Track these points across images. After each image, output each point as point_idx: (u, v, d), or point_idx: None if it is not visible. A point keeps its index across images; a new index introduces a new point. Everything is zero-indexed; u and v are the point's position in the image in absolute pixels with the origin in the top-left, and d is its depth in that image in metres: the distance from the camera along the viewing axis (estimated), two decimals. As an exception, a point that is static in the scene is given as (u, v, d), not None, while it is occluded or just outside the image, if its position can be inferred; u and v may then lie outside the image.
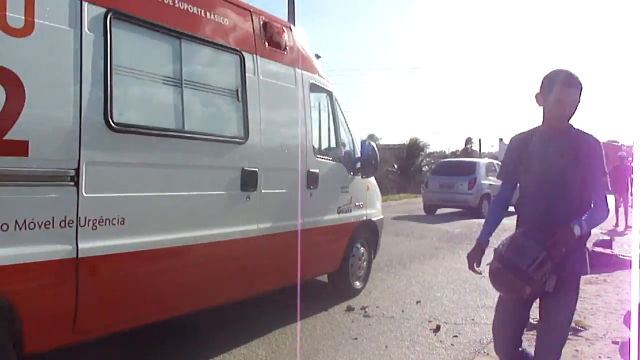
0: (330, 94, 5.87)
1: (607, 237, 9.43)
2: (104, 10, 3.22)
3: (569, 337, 4.97)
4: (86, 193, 3.10)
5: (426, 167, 34.77)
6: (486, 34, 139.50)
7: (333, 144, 5.92)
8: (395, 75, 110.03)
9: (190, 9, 3.87)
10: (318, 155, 5.46)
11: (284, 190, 4.85)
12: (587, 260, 2.91)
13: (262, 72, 4.59)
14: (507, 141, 3.09)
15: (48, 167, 2.94)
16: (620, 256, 8.49)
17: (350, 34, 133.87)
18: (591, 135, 2.70)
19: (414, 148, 36.44)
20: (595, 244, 8.97)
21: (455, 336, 4.87)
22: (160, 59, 3.74)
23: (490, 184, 15.23)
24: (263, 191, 4.50)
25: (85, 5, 3.12)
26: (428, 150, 40.75)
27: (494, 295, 6.34)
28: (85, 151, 3.08)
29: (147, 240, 3.49)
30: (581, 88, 2.61)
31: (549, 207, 2.75)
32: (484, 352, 4.51)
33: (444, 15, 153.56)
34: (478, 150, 44.77)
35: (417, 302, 6.00)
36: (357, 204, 6.08)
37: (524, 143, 2.87)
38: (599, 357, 4.49)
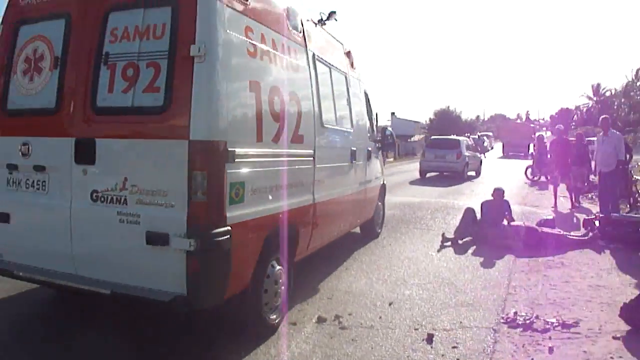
0: (366, 93, 8.50)
1: (551, 217, 9.60)
2: (312, 53, 5.76)
3: (569, 335, 4.78)
4: (317, 165, 5.59)
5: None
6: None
7: (370, 130, 8.41)
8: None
9: (331, 49, 6.76)
10: (368, 137, 8.21)
11: (361, 162, 7.55)
12: None
13: (352, 85, 7.46)
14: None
15: (308, 149, 5.40)
16: (569, 236, 8.67)
17: None
18: None
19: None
20: (539, 224, 9.10)
21: (455, 347, 4.43)
22: (329, 81, 6.37)
23: (468, 155, 21.31)
24: (355, 162, 7.19)
25: (310, 52, 5.71)
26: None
27: (465, 289, 6.15)
28: (317, 139, 5.59)
29: (333, 192, 6.21)
30: None
31: None
32: (495, 363, 4.16)
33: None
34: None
35: (390, 304, 5.51)
36: (380, 171, 9.19)
37: None
38: (610, 357, 4.27)
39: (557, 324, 4.99)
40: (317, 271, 6.54)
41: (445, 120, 58.72)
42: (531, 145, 32.35)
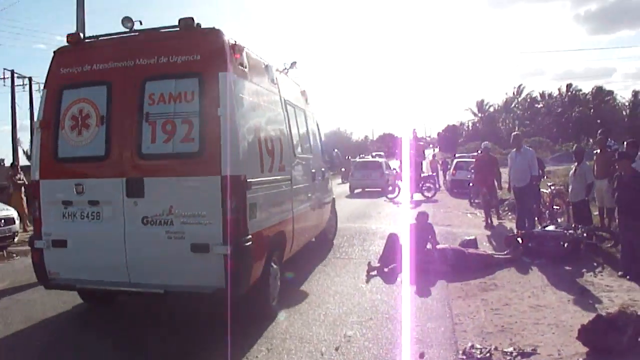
0: (317, 122, 10.21)
1: (472, 237, 9.72)
2: (283, 99, 7.42)
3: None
4: (293, 186, 7.25)
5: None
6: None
7: (322, 153, 10.13)
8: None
9: (293, 91, 8.50)
10: (321, 160, 9.90)
11: (317, 181, 9.06)
12: None
13: (308, 118, 9.22)
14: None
15: (288, 175, 7.06)
16: (495, 255, 8.79)
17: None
18: None
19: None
20: (463, 245, 9.17)
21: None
22: (295, 118, 8.05)
23: (388, 174, 25.40)
24: (315, 182, 8.81)
25: (283, 98, 7.39)
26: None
27: (409, 323, 5.90)
28: (292, 166, 7.34)
29: (303, 206, 7.93)
30: None
31: None
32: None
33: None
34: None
35: (336, 349, 5.12)
36: (330, 188, 10.75)
37: None
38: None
39: (516, 354, 4.89)
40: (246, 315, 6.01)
41: (337, 142, 60.25)
42: (424, 163, 34.19)
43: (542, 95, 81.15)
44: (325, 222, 10.10)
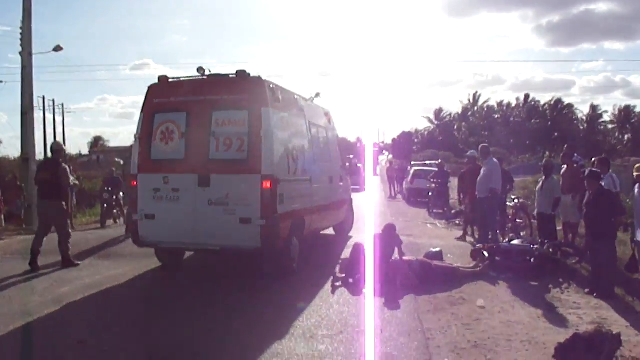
0: (338, 136, 13.84)
1: (438, 249, 9.97)
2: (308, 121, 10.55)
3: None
4: (312, 185, 10.18)
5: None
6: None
7: (340, 161, 13.16)
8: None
9: (317, 114, 11.63)
10: (339, 167, 12.80)
11: (335, 183, 12.09)
12: None
13: (329, 134, 12.27)
14: None
15: (308, 176, 10.02)
16: (462, 268, 9.07)
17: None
18: None
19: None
20: (429, 257, 9.41)
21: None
22: (317, 135, 11.12)
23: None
24: (332, 184, 11.75)
25: (307, 120, 10.51)
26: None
27: (381, 337, 6.04)
28: (312, 170, 10.20)
29: (321, 200, 10.75)
30: None
31: None
32: None
33: None
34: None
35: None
36: (349, 190, 13.91)
37: None
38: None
39: (493, 372, 5.07)
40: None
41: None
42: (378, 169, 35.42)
43: (500, 104, 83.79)
44: (343, 217, 13.02)
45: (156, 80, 9.14)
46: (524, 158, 61.24)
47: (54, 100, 44.99)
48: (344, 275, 8.63)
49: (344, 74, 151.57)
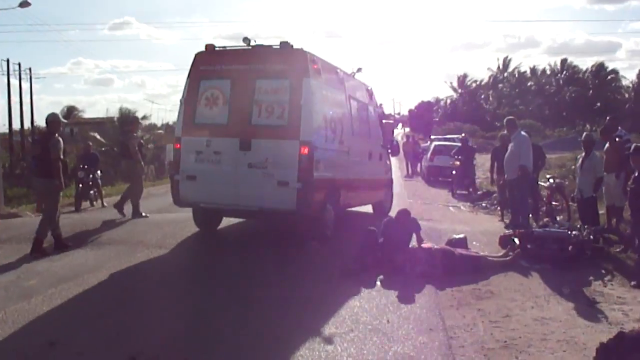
0: (380, 115, 15.50)
1: (462, 236, 9.89)
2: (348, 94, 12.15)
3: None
4: (350, 157, 11.63)
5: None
6: None
7: (382, 139, 14.28)
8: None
9: (358, 89, 13.23)
10: (380, 145, 14.16)
11: (374, 160, 13.49)
12: None
13: (369, 110, 13.68)
14: None
15: (346, 148, 11.45)
16: (489, 257, 9.03)
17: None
18: None
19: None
20: (451, 244, 9.34)
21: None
22: (357, 109, 12.63)
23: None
24: (371, 160, 13.21)
25: (347, 93, 12.07)
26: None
27: (397, 336, 6.22)
28: (350, 142, 11.66)
29: (358, 174, 12.11)
30: None
31: None
32: None
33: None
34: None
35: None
36: (389, 169, 15.33)
37: None
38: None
39: (525, 375, 5.05)
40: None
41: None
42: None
43: (533, 70, 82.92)
44: (381, 196, 14.31)
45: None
46: (560, 132, 60.78)
47: (19, 64, 44.24)
48: (354, 264, 8.57)
49: (354, 35, 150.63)
